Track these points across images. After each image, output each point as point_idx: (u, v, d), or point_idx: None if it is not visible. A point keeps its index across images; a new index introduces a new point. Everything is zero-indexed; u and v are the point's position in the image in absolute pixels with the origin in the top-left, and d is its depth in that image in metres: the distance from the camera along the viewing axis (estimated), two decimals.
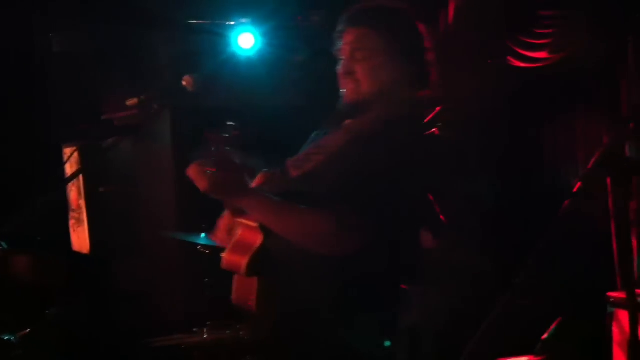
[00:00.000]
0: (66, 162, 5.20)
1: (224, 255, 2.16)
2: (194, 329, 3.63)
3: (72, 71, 4.69)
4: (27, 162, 4.72)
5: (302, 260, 2.08)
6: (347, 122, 2.17)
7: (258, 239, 2.12)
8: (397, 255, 2.15)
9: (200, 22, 4.80)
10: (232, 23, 4.77)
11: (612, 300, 3.62)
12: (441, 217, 4.13)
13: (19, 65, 4.58)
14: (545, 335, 3.45)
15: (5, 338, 3.09)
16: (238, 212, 2.20)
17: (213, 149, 2.02)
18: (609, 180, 4.14)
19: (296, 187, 2.13)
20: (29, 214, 2.30)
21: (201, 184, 2.03)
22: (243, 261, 2.11)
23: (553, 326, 3.47)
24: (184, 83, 2.31)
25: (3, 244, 2.97)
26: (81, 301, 3.95)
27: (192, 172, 2.05)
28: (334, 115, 2.24)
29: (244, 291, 2.20)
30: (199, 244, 3.75)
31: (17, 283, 3.22)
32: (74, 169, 5.13)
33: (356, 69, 2.09)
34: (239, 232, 2.17)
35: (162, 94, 2.36)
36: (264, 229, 2.12)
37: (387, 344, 2.15)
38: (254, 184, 2.17)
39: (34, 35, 4.60)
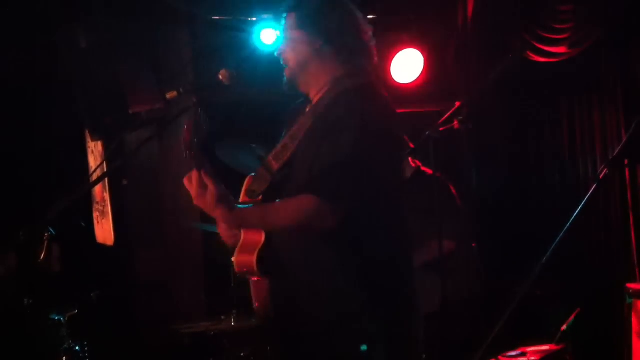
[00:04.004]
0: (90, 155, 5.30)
1: (234, 259, 2.30)
2: (222, 317, 3.70)
3: (99, 65, 4.75)
4: (54, 155, 4.81)
5: (304, 248, 2.23)
6: (310, 106, 2.37)
7: (261, 236, 2.26)
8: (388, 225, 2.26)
9: (223, 18, 4.87)
10: (254, 19, 4.85)
11: (631, 291, 3.67)
12: (463, 210, 4.20)
13: (47, 60, 4.65)
14: (564, 326, 3.49)
15: (55, 318, 3.20)
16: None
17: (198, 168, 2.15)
18: (627, 171, 4.22)
19: (279, 178, 2.30)
20: (67, 204, 2.37)
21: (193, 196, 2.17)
22: (252, 258, 2.24)
23: (572, 317, 3.51)
24: (220, 77, 2.36)
25: (51, 229, 3.07)
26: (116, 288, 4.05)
27: (189, 181, 2.18)
28: (295, 105, 2.48)
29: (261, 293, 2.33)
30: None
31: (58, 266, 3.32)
32: (98, 162, 5.22)
33: (285, 49, 2.37)
34: (242, 235, 2.31)
35: (199, 87, 2.42)
36: None
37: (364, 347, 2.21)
38: (244, 186, 2.35)
39: (60, 30, 4.67)
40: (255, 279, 2.33)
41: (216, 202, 2.13)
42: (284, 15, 2.39)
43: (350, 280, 2.21)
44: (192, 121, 2.21)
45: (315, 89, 2.37)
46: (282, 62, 2.38)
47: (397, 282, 2.27)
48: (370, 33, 2.39)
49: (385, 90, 2.33)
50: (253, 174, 2.36)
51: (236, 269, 2.31)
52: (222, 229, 2.38)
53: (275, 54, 2.39)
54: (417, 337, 2.35)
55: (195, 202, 2.18)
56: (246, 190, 2.34)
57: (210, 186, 2.12)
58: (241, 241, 2.30)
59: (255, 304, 2.37)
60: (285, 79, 2.39)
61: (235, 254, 2.29)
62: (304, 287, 2.25)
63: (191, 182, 2.16)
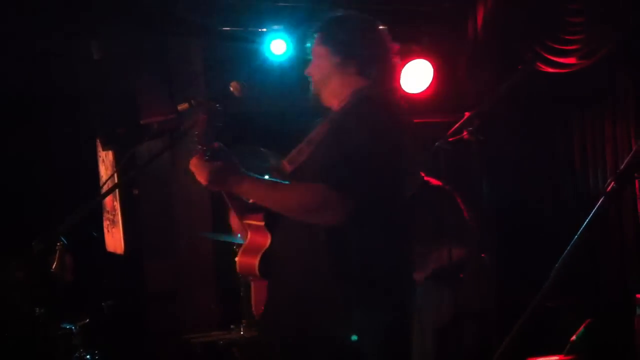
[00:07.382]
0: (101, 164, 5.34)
1: (237, 259, 2.33)
2: (232, 326, 3.71)
3: (112, 76, 4.80)
4: (65, 163, 4.85)
5: (307, 255, 2.25)
6: (330, 114, 2.43)
7: (267, 240, 2.30)
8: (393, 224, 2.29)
9: (234, 29, 4.90)
10: (265, 30, 4.88)
11: None
12: (471, 222, 4.21)
13: (58, 71, 4.70)
14: (574, 337, 3.49)
15: (67, 327, 3.23)
16: (243, 214, 2.38)
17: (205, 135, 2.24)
18: (637, 183, 4.22)
19: (291, 180, 2.33)
20: (80, 214, 2.40)
21: (202, 176, 2.24)
22: (254, 261, 2.28)
23: (582, 327, 3.51)
24: (231, 89, 2.40)
25: (64, 240, 3.10)
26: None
27: (193, 164, 2.26)
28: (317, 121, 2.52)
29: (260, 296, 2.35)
30: (234, 244, 3.84)
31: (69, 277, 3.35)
32: (109, 171, 5.26)
33: (311, 68, 2.47)
34: (248, 236, 2.35)
35: (210, 99, 2.44)
36: (270, 228, 2.30)
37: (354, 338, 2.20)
38: None
39: (75, 41, 4.71)
40: (257, 281, 2.35)
41: (240, 168, 2.23)
42: (314, 35, 2.47)
43: (351, 285, 2.22)
44: (207, 116, 2.27)
45: (338, 101, 2.43)
46: (309, 79, 2.46)
47: (397, 288, 2.29)
48: (389, 43, 2.45)
49: (403, 99, 2.40)
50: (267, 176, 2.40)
51: (238, 269, 2.35)
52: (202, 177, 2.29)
53: (305, 72, 2.48)
54: (411, 341, 2.37)
55: (211, 177, 2.23)
56: None
57: (229, 154, 2.25)
58: (246, 242, 2.34)
59: (254, 306, 2.38)
60: (311, 94, 2.47)
61: (239, 254, 2.33)
62: (303, 290, 2.25)
63: (200, 160, 2.25)
